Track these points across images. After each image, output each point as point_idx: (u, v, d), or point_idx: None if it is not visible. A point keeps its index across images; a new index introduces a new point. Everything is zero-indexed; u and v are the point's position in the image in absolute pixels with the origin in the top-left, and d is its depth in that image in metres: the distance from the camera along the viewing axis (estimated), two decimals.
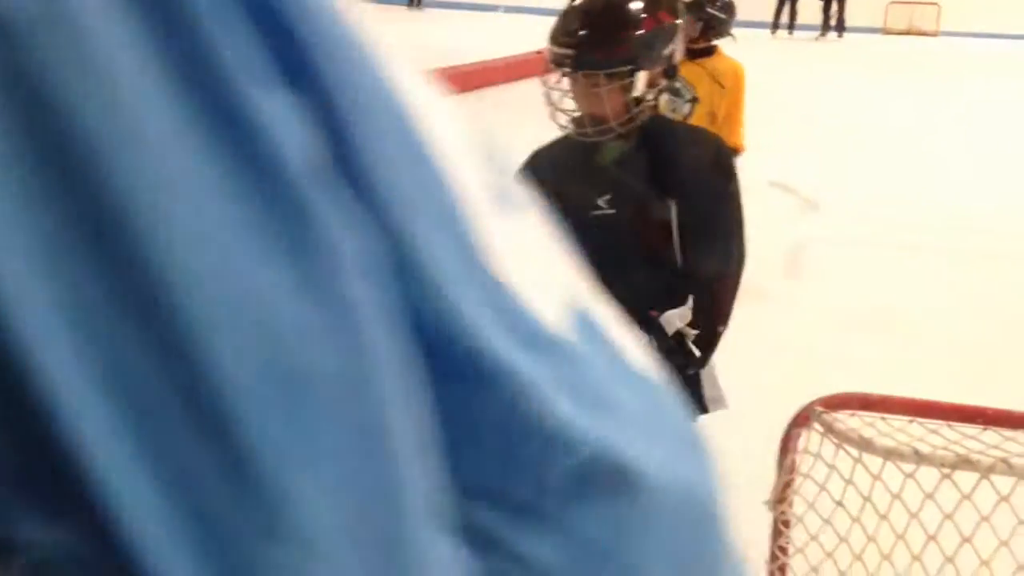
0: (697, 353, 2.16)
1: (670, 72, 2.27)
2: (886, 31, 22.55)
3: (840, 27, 20.76)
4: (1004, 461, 1.67)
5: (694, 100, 4.95)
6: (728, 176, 2.27)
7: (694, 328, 2.17)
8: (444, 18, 21.71)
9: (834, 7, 20.71)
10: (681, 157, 2.24)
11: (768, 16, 20.62)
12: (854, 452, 1.74)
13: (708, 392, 2.34)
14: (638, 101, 2.16)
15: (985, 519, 1.73)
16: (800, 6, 20.68)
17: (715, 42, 5.09)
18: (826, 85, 13.68)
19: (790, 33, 20.71)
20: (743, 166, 3.02)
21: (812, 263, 5.99)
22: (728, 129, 4.89)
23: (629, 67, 2.14)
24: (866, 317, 5.04)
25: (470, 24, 20.95)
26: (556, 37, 2.22)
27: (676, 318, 2.16)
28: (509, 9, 23.33)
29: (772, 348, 4.53)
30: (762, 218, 6.51)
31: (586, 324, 0.47)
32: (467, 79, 11.89)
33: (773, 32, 20.57)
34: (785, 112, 10.88)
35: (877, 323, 4.96)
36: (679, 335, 2.16)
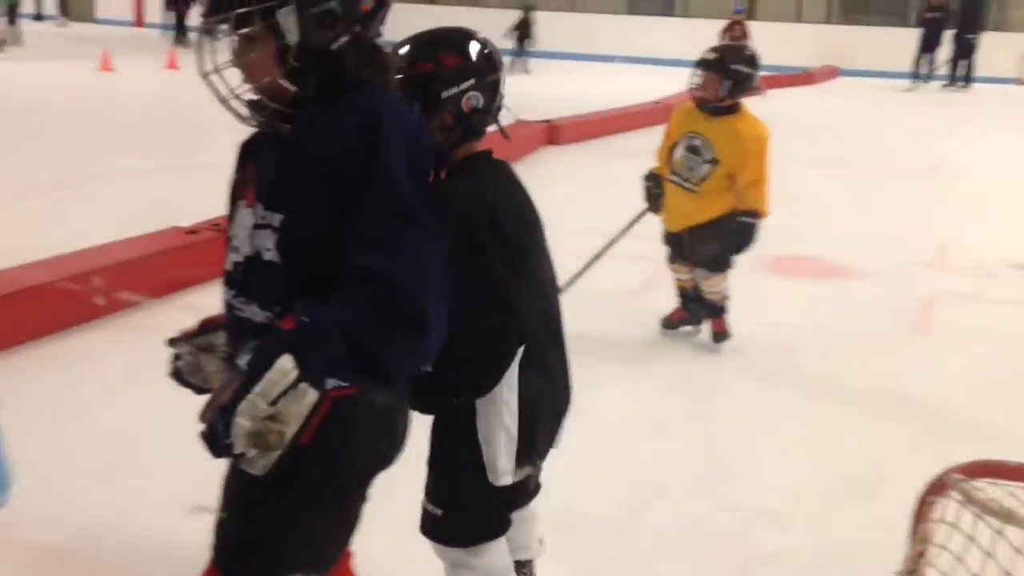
0: None
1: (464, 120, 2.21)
2: (1021, 81, 21.93)
3: (968, 78, 20.48)
4: None
5: (714, 162, 4.72)
6: None
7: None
8: (564, 69, 21.86)
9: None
10: None
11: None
12: (995, 523, 1.62)
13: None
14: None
15: None
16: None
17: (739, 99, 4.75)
18: (955, 135, 13.33)
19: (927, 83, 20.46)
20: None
21: (945, 318, 5.74)
22: (753, 194, 4.68)
23: None
24: (1004, 377, 4.79)
25: (588, 74, 21.05)
26: None
27: None
28: (625, 59, 23.39)
29: (902, 406, 4.35)
30: (894, 271, 6.39)
31: None
32: (590, 127, 11.93)
33: (913, 81, 20.33)
34: (916, 159, 10.61)
35: (1015, 383, 4.71)
36: None
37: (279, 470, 1.69)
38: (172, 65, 17.27)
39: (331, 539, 1.89)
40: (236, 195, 1.89)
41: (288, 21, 1.73)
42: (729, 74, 4.65)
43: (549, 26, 22.29)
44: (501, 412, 2.20)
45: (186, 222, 5.60)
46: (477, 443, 2.22)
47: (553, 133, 11.21)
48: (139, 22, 30.00)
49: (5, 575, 2.79)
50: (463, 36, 2.25)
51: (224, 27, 1.76)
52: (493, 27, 22.86)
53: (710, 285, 4.89)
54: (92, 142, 9.98)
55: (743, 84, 4.69)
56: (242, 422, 1.60)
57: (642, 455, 3.77)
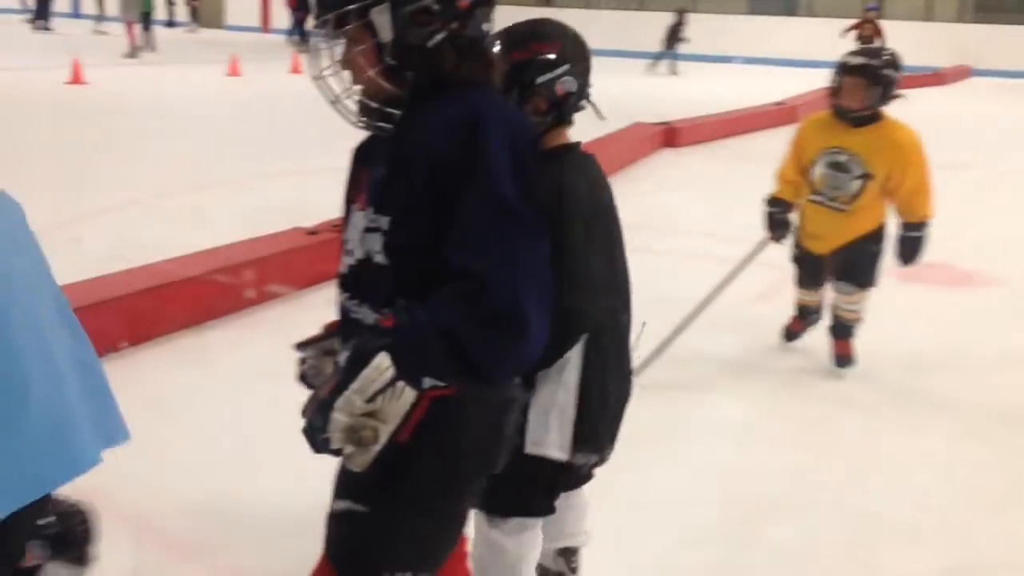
0: None
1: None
2: None
3: None
4: None
5: (865, 177, 4.34)
6: None
7: None
8: (684, 70, 21.63)
9: None
10: None
11: None
12: None
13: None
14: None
15: None
16: None
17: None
18: None
19: None
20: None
21: None
22: (919, 201, 4.34)
23: None
24: None
25: (712, 75, 20.81)
26: None
27: None
28: (746, 60, 23.04)
29: None
30: None
31: None
32: (708, 130, 11.77)
33: None
34: None
35: None
36: None
37: (386, 468, 1.71)
38: (296, 70, 17.71)
39: (439, 539, 1.89)
40: (350, 198, 1.91)
41: (382, 19, 1.75)
42: (880, 80, 4.27)
43: (665, 26, 22.08)
44: (556, 389, 2.23)
45: (308, 223, 5.72)
46: (526, 415, 2.24)
47: (670, 135, 11.09)
48: (266, 28, 30.84)
49: (146, 566, 2.87)
50: (555, 26, 2.34)
51: (329, 29, 1.79)
52: (603, 28, 22.79)
53: (850, 302, 4.57)
54: (220, 145, 10.29)
55: (891, 90, 4.31)
56: (339, 418, 1.62)
57: (764, 465, 3.70)
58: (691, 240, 7.11)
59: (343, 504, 1.85)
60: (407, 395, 1.64)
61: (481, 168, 1.69)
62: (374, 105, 1.81)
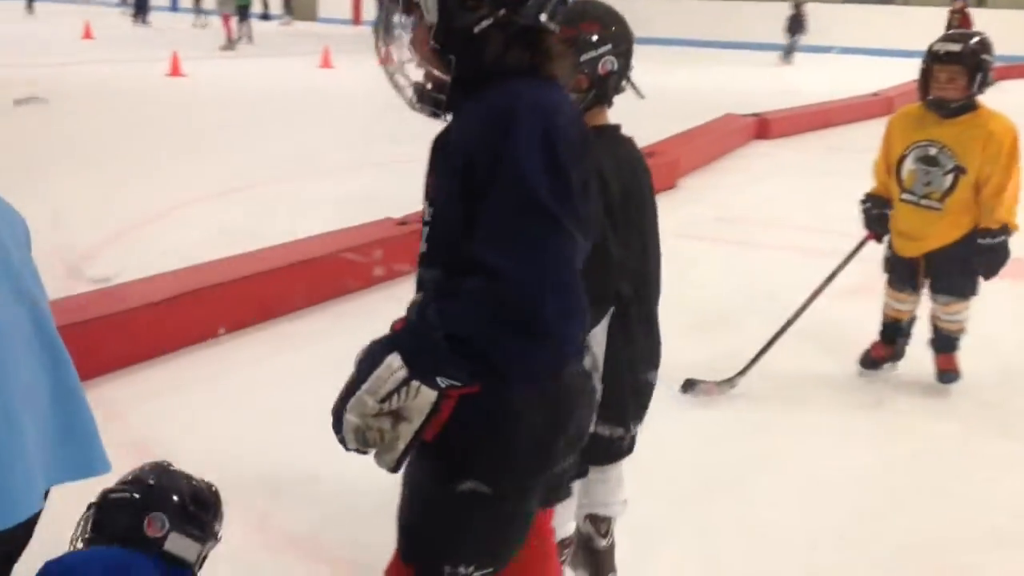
0: None
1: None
2: None
3: None
4: None
5: (958, 170, 4.01)
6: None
7: None
8: (779, 60, 21.29)
9: None
10: None
11: None
12: None
13: None
14: None
15: None
16: None
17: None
18: None
19: None
20: None
21: None
22: (999, 202, 3.95)
23: None
24: None
25: (809, 65, 20.45)
26: None
27: None
28: (843, 50, 22.59)
29: None
30: None
31: None
32: (802, 121, 11.59)
33: None
34: None
35: None
36: None
37: (441, 464, 1.72)
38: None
39: (499, 536, 1.84)
40: (425, 189, 1.87)
41: (428, 1, 1.71)
42: (981, 66, 3.92)
43: (762, 16, 21.76)
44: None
45: (398, 214, 5.77)
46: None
47: (763, 127, 10.93)
48: (357, 20, 31.19)
49: (260, 562, 2.91)
50: (601, 8, 2.42)
51: (393, 17, 1.79)
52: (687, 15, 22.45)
53: (950, 313, 4.22)
54: (312, 135, 10.44)
55: (987, 76, 3.95)
56: (350, 419, 1.60)
57: (866, 469, 3.62)
58: (785, 233, 7.00)
59: (406, 497, 1.85)
60: (425, 393, 1.60)
61: (508, 161, 1.60)
62: (428, 88, 1.78)
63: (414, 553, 1.86)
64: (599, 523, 2.72)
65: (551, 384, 1.73)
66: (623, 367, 2.35)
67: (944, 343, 4.30)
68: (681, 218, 6.72)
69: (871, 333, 4.48)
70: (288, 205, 7.22)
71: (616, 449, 2.54)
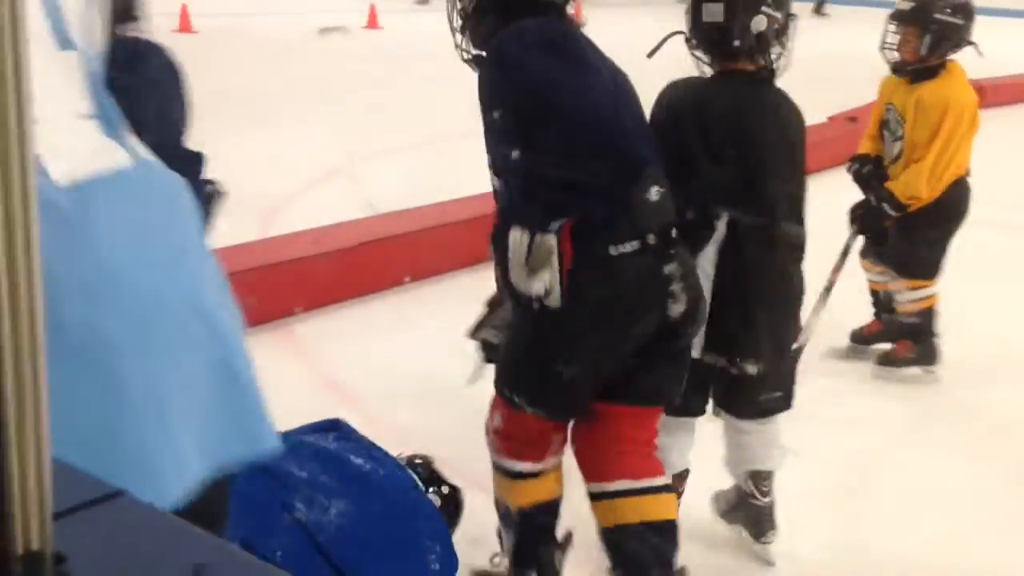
0: None
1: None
2: None
3: None
4: None
5: (903, 139, 3.78)
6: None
7: None
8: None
9: None
10: None
11: None
12: None
13: None
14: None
15: None
16: None
17: (951, 56, 3.76)
18: None
19: None
20: None
21: None
22: (912, 175, 3.69)
23: None
24: None
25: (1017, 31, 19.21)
26: None
27: None
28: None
29: None
30: None
31: None
32: (1016, 90, 10.98)
33: None
34: None
35: None
36: None
37: (524, 323, 2.28)
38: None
39: (545, 385, 2.29)
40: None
41: None
42: (932, 26, 3.69)
43: None
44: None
45: None
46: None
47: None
48: None
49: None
50: None
51: None
52: None
53: (898, 292, 3.99)
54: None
55: (949, 38, 3.72)
56: (519, 285, 2.18)
57: (959, 489, 3.37)
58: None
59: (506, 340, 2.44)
60: (548, 240, 2.09)
61: (481, 96, 2.32)
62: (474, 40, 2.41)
63: (497, 378, 2.40)
64: (760, 480, 2.76)
65: (603, 260, 2.14)
66: (735, 291, 2.47)
67: (897, 330, 4.05)
68: None
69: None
70: (479, 160, 7.29)
71: (770, 406, 2.64)
